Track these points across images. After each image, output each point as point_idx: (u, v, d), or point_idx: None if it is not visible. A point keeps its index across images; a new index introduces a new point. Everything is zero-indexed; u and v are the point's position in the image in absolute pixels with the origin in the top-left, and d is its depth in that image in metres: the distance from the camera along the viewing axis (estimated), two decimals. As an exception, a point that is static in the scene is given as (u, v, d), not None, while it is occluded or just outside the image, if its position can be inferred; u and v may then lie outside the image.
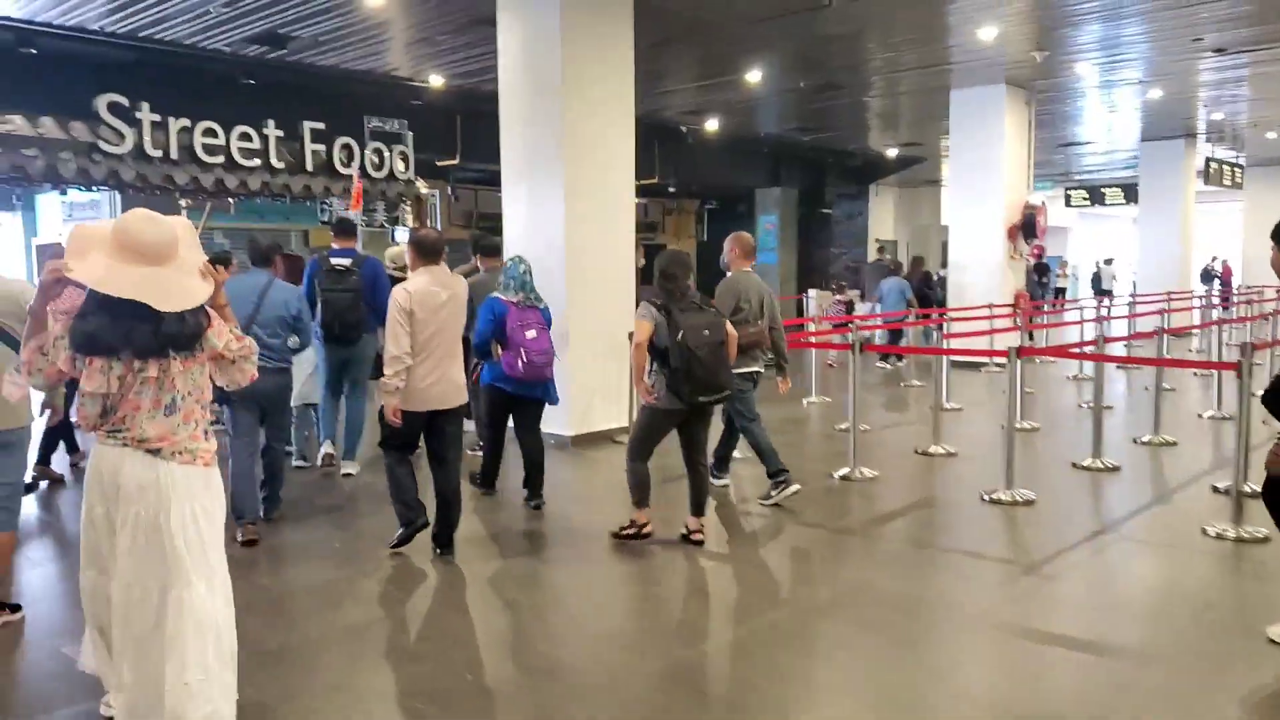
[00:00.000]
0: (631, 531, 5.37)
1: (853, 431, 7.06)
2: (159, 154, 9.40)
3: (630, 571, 5.00)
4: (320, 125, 10.72)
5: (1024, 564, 5.13)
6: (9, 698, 3.59)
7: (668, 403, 5.09)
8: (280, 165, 10.39)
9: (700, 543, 5.29)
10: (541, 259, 8.13)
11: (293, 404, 6.46)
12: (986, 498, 6.23)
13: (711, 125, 16.27)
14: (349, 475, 6.89)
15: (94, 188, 10.17)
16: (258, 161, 10.19)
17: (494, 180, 19.65)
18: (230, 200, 17.78)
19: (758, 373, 6.24)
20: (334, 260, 6.78)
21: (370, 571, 4.97)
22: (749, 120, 16.60)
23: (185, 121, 9.60)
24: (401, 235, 12.10)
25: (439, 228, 12.43)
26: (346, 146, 10.92)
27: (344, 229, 7.13)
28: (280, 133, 10.36)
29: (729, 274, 6.21)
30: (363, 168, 11.07)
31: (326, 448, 7.18)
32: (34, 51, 9.99)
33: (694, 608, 4.58)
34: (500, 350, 5.74)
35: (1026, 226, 13.45)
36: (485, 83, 12.33)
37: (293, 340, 5.64)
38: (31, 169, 8.67)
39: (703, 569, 5.05)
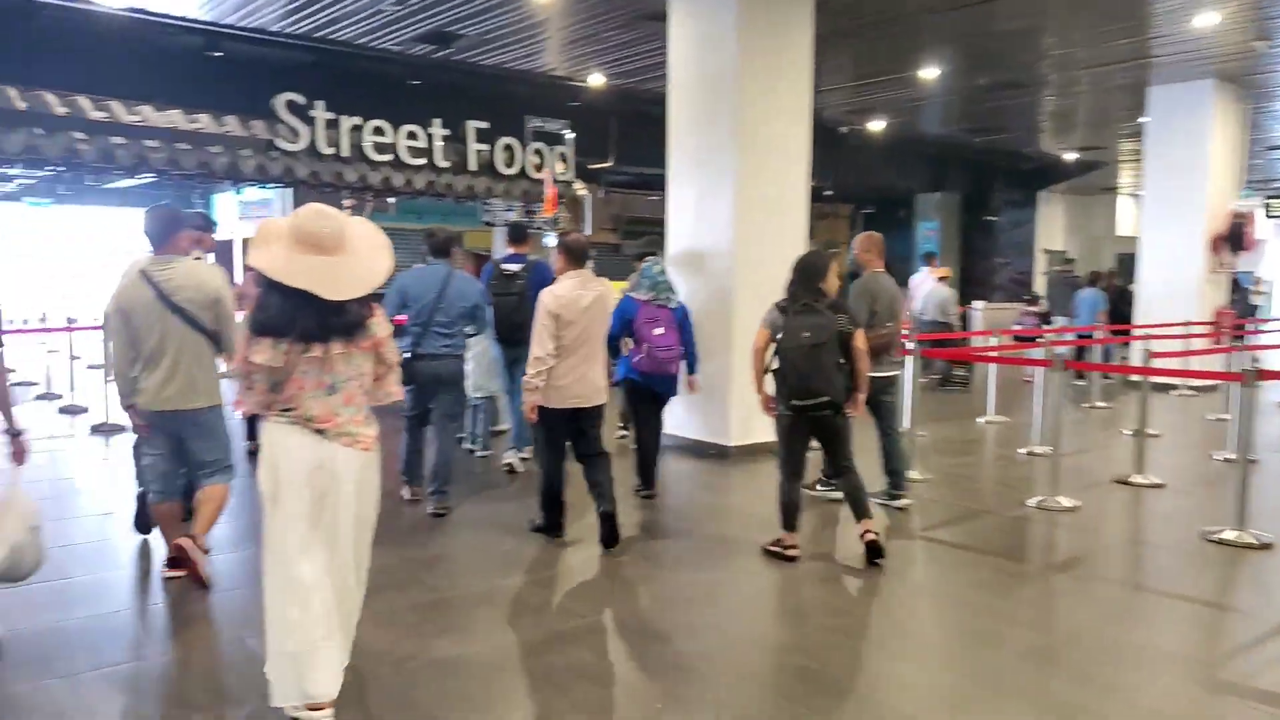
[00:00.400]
0: (777, 550, 5.09)
1: (1052, 456, 6.47)
2: (331, 152, 9.60)
3: (793, 589, 4.63)
4: (484, 125, 10.77)
5: (1272, 619, 4.47)
6: (195, 688, 3.53)
7: (782, 409, 5.01)
8: (445, 165, 10.48)
9: (875, 545, 4.93)
10: (708, 263, 7.88)
11: (470, 394, 6.99)
12: (1211, 537, 5.54)
13: (875, 125, 15.63)
14: (511, 468, 7.08)
15: (269, 185, 10.48)
16: (423, 160, 10.30)
17: (644, 184, 19.68)
18: (391, 200, 18.41)
19: (895, 377, 6.13)
20: (504, 265, 6.93)
21: (532, 569, 4.95)
22: (913, 120, 15.87)
23: (356, 120, 9.78)
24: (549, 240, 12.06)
25: (589, 231, 12.27)
26: (508, 147, 10.93)
27: (516, 235, 7.24)
28: (446, 132, 10.45)
29: (862, 275, 6.12)
30: (523, 168, 11.07)
31: (510, 457, 7.18)
32: (220, 54, 10.42)
33: (892, 646, 4.15)
34: (629, 344, 6.15)
35: (1234, 237, 12.27)
36: (647, 81, 12.18)
37: (469, 328, 6.08)
38: (215, 165, 8.99)
39: (895, 600, 4.63)
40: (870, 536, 4.98)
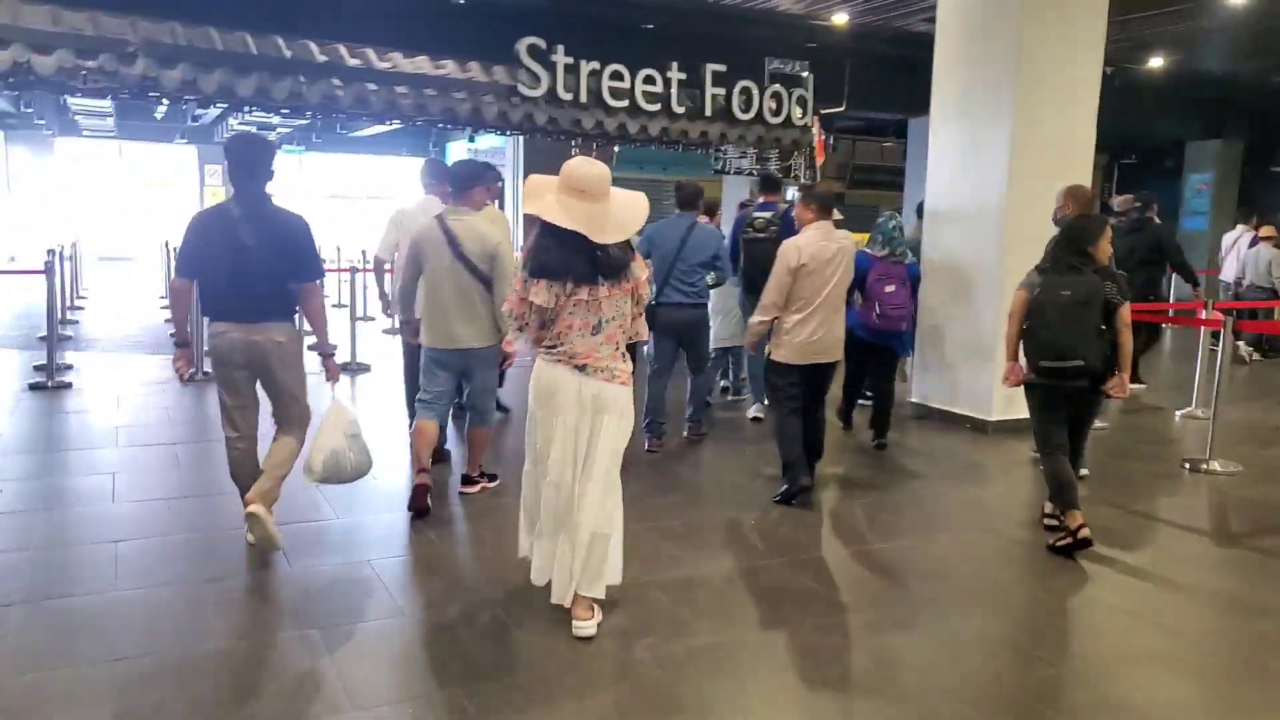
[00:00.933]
0: (1066, 541, 4.41)
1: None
2: (569, 97, 9.48)
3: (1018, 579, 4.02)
4: (721, 67, 10.34)
5: None
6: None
7: (1034, 378, 4.61)
8: (680, 110, 10.15)
9: (1087, 540, 4.37)
10: (973, 218, 7.13)
11: (714, 345, 7.04)
12: None
13: (1151, 64, 13.94)
14: (757, 419, 7.09)
15: (509, 132, 10.51)
16: (658, 106, 10.01)
17: (873, 130, 18.57)
18: (615, 149, 18.38)
19: None
20: (756, 214, 6.94)
21: (755, 514, 5.02)
22: (1191, 57, 14.05)
23: (594, 65, 9.60)
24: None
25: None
26: (745, 90, 10.47)
27: (769, 184, 7.24)
28: (682, 76, 10.10)
29: None
30: (759, 113, 10.57)
31: (754, 410, 7.19)
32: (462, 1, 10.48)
33: (1123, 628, 3.50)
34: (860, 300, 6.08)
35: None
36: (894, 19, 11.35)
37: (710, 277, 6.19)
38: (459, 111, 9.06)
39: (1109, 581, 3.93)
40: (1084, 532, 4.37)
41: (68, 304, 12.26)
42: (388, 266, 5.93)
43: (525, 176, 13.05)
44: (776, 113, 10.68)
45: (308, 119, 16.20)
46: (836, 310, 5.02)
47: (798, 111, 10.78)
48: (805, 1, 11.12)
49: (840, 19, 11.59)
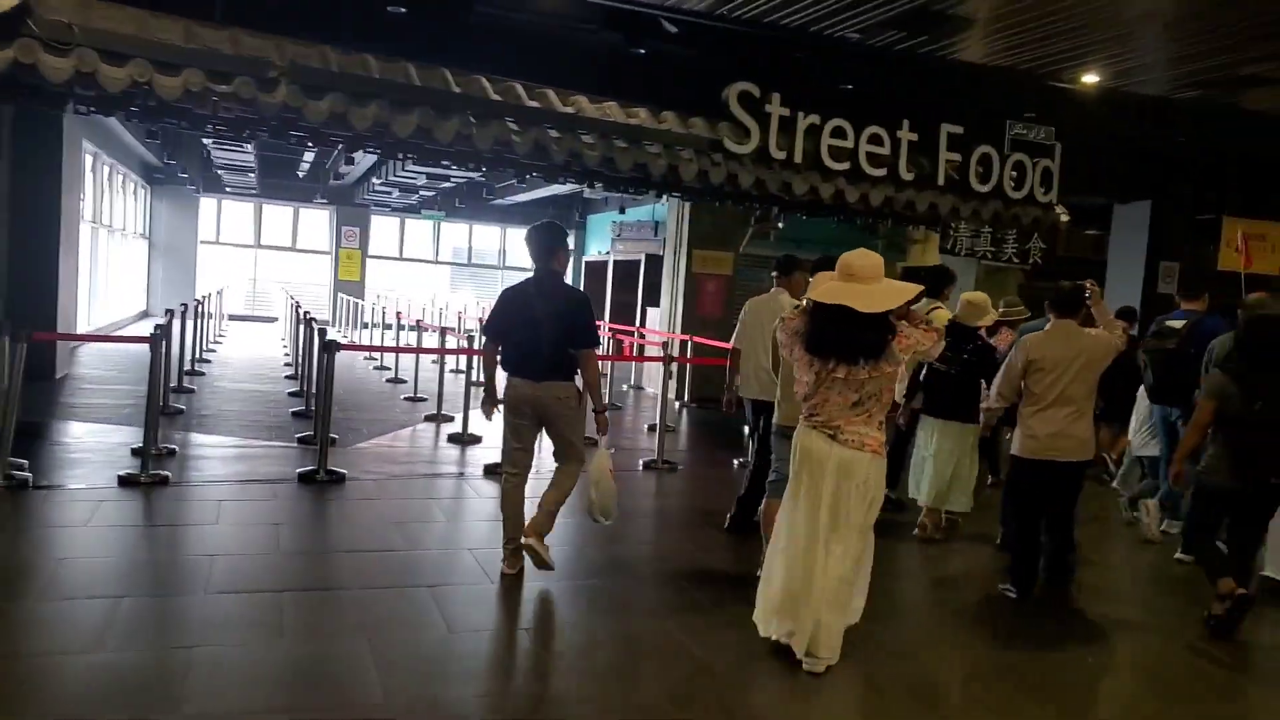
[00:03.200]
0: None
1: None
2: (781, 156, 7.60)
3: None
4: (958, 129, 8.34)
5: None
6: None
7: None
8: (908, 178, 8.16)
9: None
10: None
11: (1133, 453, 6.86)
12: None
13: None
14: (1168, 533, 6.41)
15: (707, 196, 8.61)
16: (883, 171, 8.05)
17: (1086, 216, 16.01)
18: (777, 226, 16.45)
19: None
20: (1167, 321, 6.53)
21: None
22: None
23: (814, 118, 7.73)
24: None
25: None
26: (985, 158, 8.43)
27: (1189, 289, 6.74)
28: (914, 136, 8.14)
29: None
30: (999, 185, 8.50)
31: (1164, 525, 6.44)
32: (662, 40, 8.76)
33: None
34: None
35: None
36: (1144, 83, 9.23)
37: None
38: (654, 168, 7.26)
39: None
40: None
41: (186, 369, 10.89)
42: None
43: (689, 252, 11.15)
44: (1018, 186, 8.60)
45: (469, 172, 14.87)
46: (1078, 409, 4.83)
47: (1040, 186, 8.68)
48: (1056, 57, 9.02)
49: (1089, 79, 9.44)
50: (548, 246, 4.58)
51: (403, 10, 7.78)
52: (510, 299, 4.64)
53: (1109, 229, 13.28)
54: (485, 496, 6.61)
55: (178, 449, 7.09)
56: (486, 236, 23.95)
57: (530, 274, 4.68)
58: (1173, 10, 7.46)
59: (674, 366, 7.98)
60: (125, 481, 5.98)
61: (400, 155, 7.53)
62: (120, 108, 6.03)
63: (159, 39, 5.68)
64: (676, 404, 12.12)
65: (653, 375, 13.27)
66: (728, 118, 7.50)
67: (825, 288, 3.67)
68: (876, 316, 3.61)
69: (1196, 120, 10.86)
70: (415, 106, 6.47)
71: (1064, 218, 9.04)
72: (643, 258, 18.54)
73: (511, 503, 4.67)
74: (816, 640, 3.66)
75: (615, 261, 19.51)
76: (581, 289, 4.65)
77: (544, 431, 4.71)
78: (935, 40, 8.63)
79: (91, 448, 7.01)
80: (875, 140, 7.96)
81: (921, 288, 3.85)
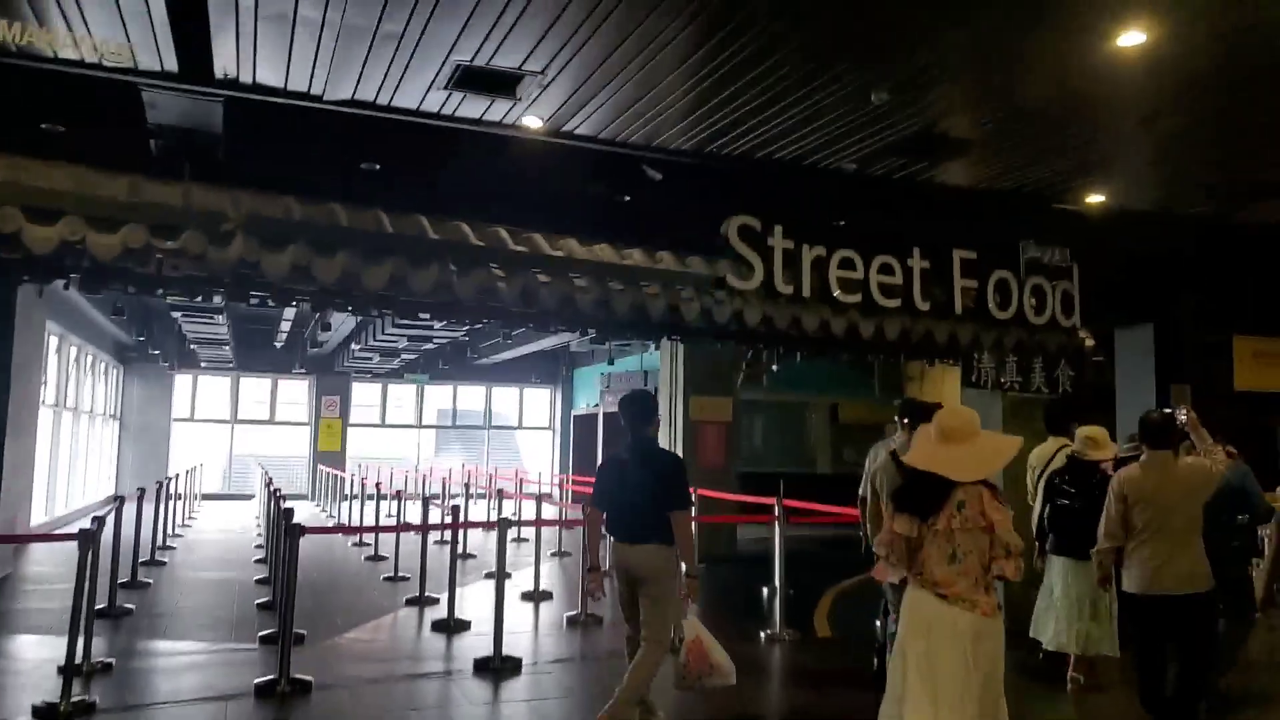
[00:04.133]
0: None
1: None
2: (789, 290, 6.95)
3: None
4: (970, 254, 7.77)
5: None
6: None
7: None
8: (924, 307, 7.51)
9: None
10: None
11: None
12: None
13: None
14: None
15: (711, 335, 7.86)
16: (897, 301, 7.40)
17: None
18: (771, 368, 15.78)
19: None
20: None
21: None
22: None
23: (820, 250, 7.12)
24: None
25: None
26: (1003, 283, 7.82)
27: None
28: (925, 264, 7.54)
29: None
30: (1019, 311, 7.87)
31: None
32: (655, 179, 8.27)
33: None
34: None
35: None
36: (1147, 199, 8.79)
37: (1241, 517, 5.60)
38: (652, 309, 6.56)
39: None
40: None
41: (145, 558, 9.80)
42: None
43: (685, 399, 10.36)
44: (1039, 311, 7.96)
45: (452, 330, 14.24)
46: (1182, 541, 4.63)
47: (1061, 310, 8.05)
48: (1064, 174, 8.57)
49: (1095, 199, 8.98)
50: (641, 414, 4.79)
51: (376, 166, 7.28)
52: (608, 465, 4.91)
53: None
54: (477, 703, 5.54)
55: (115, 661, 5.99)
56: (471, 397, 23.22)
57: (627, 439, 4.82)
58: (1169, 121, 7.03)
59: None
60: (42, 713, 4.88)
61: (374, 311, 6.83)
62: (51, 272, 5.29)
63: (96, 194, 5.00)
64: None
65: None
66: (728, 254, 6.88)
67: (921, 453, 3.75)
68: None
69: (1201, 235, 10.44)
70: (388, 256, 5.79)
71: (1089, 342, 8.38)
72: (634, 410, 17.81)
73: (631, 660, 4.71)
74: None
75: (605, 413, 18.74)
76: (667, 452, 5.10)
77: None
78: (935, 165, 8.16)
79: (13, 666, 5.92)
80: (886, 270, 7.35)
81: (1020, 440, 3.93)
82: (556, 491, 15.31)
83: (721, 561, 11.27)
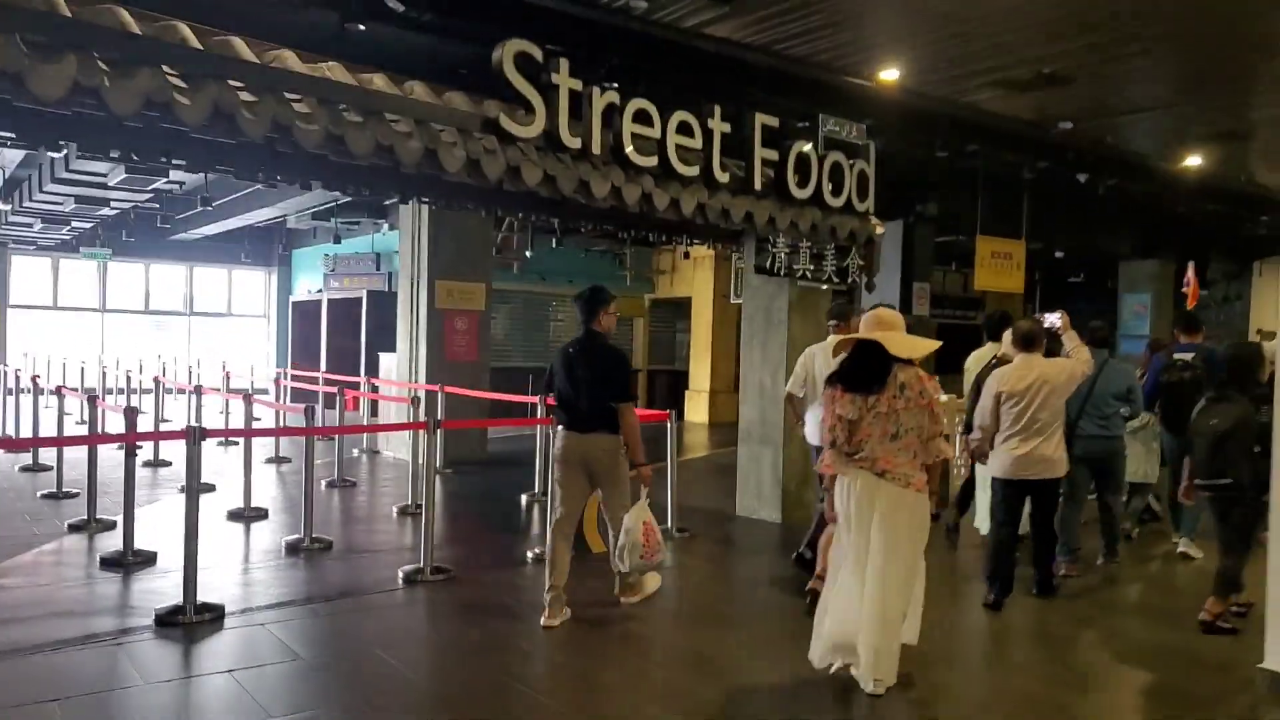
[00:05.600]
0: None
1: None
2: (576, 145, 5.56)
3: None
4: (773, 121, 6.74)
5: None
6: None
7: None
8: (724, 179, 6.42)
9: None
10: None
11: (1128, 479, 6.79)
12: None
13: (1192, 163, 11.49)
14: (1186, 555, 6.50)
15: (484, 200, 6.23)
16: (695, 170, 6.24)
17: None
18: (524, 255, 14.32)
19: None
20: (1177, 354, 6.74)
21: None
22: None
23: (612, 96, 5.75)
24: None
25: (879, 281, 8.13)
26: (803, 158, 6.89)
27: (1188, 324, 7.02)
28: (726, 127, 6.41)
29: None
30: (818, 192, 7.01)
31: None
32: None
33: None
34: None
35: None
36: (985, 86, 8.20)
37: (1124, 410, 6.09)
38: (403, 152, 4.90)
39: None
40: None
41: None
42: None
43: (431, 284, 8.87)
44: (836, 192, 7.14)
45: (132, 188, 11.33)
46: (1043, 433, 5.10)
47: (857, 192, 7.29)
48: (862, 40, 7.70)
49: (889, 76, 8.26)
50: (587, 307, 4.83)
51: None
52: (559, 358, 4.90)
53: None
54: (155, 680, 3.92)
55: None
56: (169, 278, 19.76)
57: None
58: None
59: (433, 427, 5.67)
60: None
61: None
62: None
63: None
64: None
65: (395, 437, 10.66)
66: (500, 93, 5.34)
67: (861, 331, 4.05)
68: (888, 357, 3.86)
69: (951, 132, 10.17)
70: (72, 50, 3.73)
71: (879, 230, 7.73)
72: (364, 295, 15.72)
73: (557, 551, 4.76)
74: (876, 665, 3.79)
75: (330, 301, 16.49)
76: (610, 347, 4.85)
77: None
78: (735, 15, 6.98)
79: None
80: (684, 130, 6.13)
81: (938, 343, 4.12)
82: (272, 389, 13.11)
83: (470, 465, 9.95)
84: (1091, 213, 14.63)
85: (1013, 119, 9.49)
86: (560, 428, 4.84)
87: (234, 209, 14.65)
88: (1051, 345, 5.44)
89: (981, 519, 6.56)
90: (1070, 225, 14.63)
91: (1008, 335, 5.63)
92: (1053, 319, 5.42)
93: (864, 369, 3.84)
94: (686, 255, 16.18)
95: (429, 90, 5.28)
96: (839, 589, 3.93)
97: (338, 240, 15.34)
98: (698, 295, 16.46)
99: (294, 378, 14.03)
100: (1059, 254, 15.14)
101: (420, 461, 6.49)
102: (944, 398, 3.92)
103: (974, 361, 6.77)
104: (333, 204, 14.39)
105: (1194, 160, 11.29)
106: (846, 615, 3.87)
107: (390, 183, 5.62)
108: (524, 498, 8.07)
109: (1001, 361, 5.62)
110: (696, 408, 16.42)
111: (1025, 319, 5.48)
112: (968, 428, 6.08)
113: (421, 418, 7.92)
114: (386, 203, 13.66)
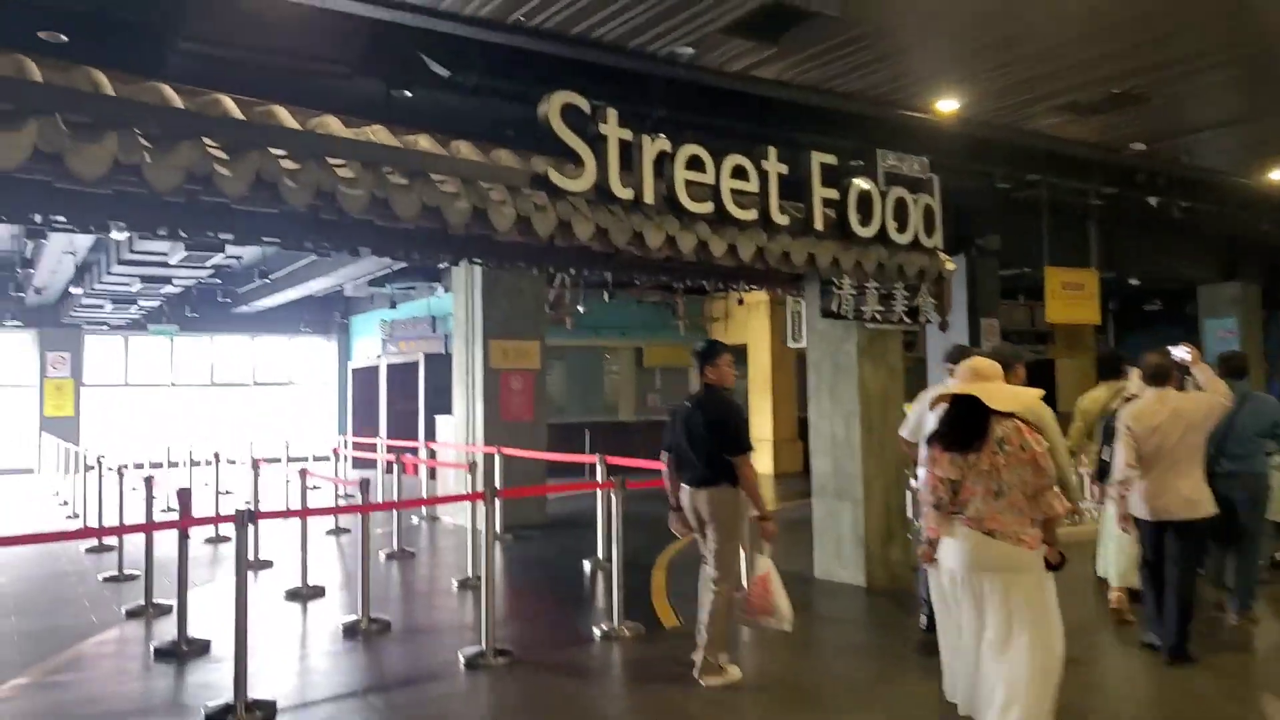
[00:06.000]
0: None
1: None
2: (628, 195, 5.31)
3: None
4: (830, 159, 6.43)
5: None
6: None
7: None
8: (783, 221, 6.11)
9: None
10: None
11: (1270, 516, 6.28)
12: None
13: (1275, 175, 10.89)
14: None
15: (539, 263, 6.01)
16: (754, 213, 5.95)
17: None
18: (577, 310, 14.13)
19: None
20: None
21: None
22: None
23: (663, 144, 5.51)
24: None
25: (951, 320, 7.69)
26: (864, 195, 6.56)
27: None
28: (783, 168, 6.12)
29: None
30: (882, 230, 6.66)
31: None
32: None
33: None
34: None
35: None
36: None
37: (1270, 446, 5.71)
38: (451, 213, 4.69)
39: None
40: None
41: None
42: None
43: (485, 344, 8.67)
44: (902, 228, 6.78)
45: (193, 266, 11.48)
46: (1179, 469, 4.88)
47: (923, 226, 6.92)
48: (923, 73, 7.40)
49: (948, 107, 7.92)
50: (699, 363, 4.83)
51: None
52: (676, 411, 4.92)
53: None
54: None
55: None
56: (233, 350, 20.06)
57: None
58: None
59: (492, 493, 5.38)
60: None
61: (109, 266, 4.53)
62: None
63: None
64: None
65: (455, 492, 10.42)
66: (547, 148, 5.13)
67: (954, 385, 3.83)
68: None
69: (1012, 161, 9.77)
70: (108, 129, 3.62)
71: (950, 266, 7.34)
72: (421, 359, 15.66)
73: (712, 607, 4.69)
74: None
75: (389, 365, 16.49)
76: (724, 399, 4.80)
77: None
78: (777, 44, 6.71)
79: None
80: (739, 174, 5.85)
81: (1041, 391, 3.98)
82: (332, 457, 13.05)
83: (530, 530, 9.64)
84: (1165, 236, 14.02)
85: (1079, 143, 9.06)
86: (682, 484, 4.79)
87: (293, 280, 14.79)
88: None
89: (1105, 566, 6.27)
90: (1143, 251, 14.01)
91: (1135, 372, 5.35)
92: (1180, 353, 5.13)
93: (961, 426, 3.67)
94: (741, 301, 15.85)
95: (475, 149, 5.10)
96: (961, 652, 3.78)
97: (393, 305, 15.36)
98: (754, 341, 16.09)
99: (355, 445, 13.96)
100: (1134, 281, 14.42)
101: (479, 528, 6.20)
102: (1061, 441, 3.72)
103: (1090, 403, 6.47)
104: (388, 270, 14.43)
105: (1276, 174, 10.67)
106: (977, 684, 3.72)
107: (440, 245, 5.42)
108: (586, 565, 7.72)
109: (1130, 399, 5.33)
110: (760, 457, 15.96)
111: (1153, 353, 5.18)
112: (1101, 474, 5.81)
113: (479, 483, 7.67)
114: (440, 266, 13.65)
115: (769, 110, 7.51)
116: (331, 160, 4.36)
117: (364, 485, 6.22)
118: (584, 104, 5.13)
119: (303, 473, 7.94)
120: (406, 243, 5.28)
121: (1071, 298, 12.21)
